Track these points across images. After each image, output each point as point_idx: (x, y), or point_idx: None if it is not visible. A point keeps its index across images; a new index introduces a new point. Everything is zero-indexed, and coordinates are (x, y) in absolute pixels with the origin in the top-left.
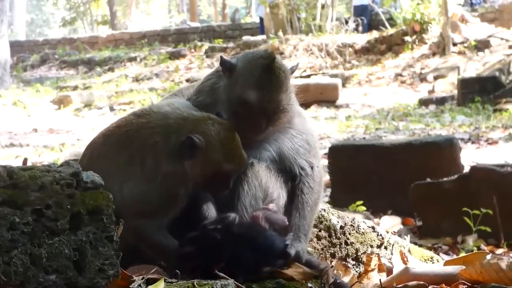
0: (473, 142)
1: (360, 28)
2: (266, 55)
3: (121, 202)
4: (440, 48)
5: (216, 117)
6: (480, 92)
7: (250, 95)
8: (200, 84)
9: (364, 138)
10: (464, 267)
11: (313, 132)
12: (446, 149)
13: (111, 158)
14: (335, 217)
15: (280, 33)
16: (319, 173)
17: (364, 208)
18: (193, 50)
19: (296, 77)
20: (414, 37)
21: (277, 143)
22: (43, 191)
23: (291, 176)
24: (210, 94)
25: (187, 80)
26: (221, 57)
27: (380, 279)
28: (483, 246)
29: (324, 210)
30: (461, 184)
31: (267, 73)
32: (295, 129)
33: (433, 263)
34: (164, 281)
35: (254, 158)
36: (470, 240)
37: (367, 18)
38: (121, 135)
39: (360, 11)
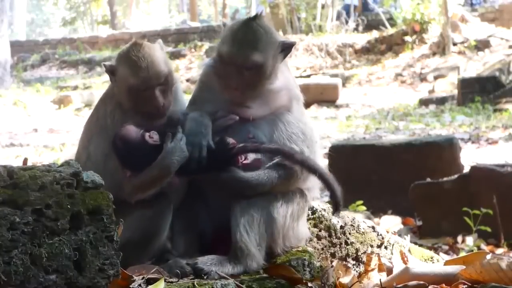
0: (473, 142)
1: (360, 28)
2: (254, 16)
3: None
4: (440, 48)
5: None
6: (480, 92)
7: (222, 49)
8: None
9: (364, 138)
10: (464, 267)
11: (310, 125)
12: (446, 149)
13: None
14: (335, 217)
15: (280, 33)
16: None
17: (364, 208)
18: (193, 50)
19: (296, 77)
20: (414, 37)
21: (270, 127)
22: (43, 191)
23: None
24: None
25: (187, 80)
26: (222, 21)
27: (380, 279)
28: (483, 246)
29: (324, 210)
30: (461, 184)
31: (243, 27)
32: (292, 115)
33: (433, 263)
34: (164, 281)
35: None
36: (470, 240)
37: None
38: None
39: None
